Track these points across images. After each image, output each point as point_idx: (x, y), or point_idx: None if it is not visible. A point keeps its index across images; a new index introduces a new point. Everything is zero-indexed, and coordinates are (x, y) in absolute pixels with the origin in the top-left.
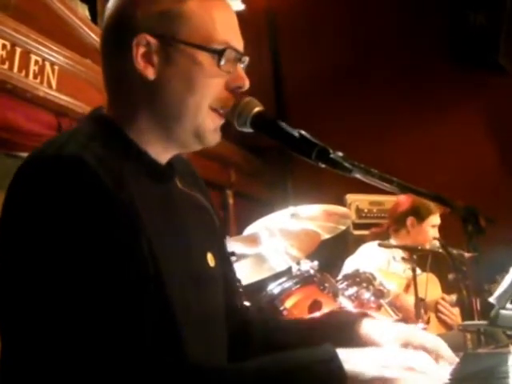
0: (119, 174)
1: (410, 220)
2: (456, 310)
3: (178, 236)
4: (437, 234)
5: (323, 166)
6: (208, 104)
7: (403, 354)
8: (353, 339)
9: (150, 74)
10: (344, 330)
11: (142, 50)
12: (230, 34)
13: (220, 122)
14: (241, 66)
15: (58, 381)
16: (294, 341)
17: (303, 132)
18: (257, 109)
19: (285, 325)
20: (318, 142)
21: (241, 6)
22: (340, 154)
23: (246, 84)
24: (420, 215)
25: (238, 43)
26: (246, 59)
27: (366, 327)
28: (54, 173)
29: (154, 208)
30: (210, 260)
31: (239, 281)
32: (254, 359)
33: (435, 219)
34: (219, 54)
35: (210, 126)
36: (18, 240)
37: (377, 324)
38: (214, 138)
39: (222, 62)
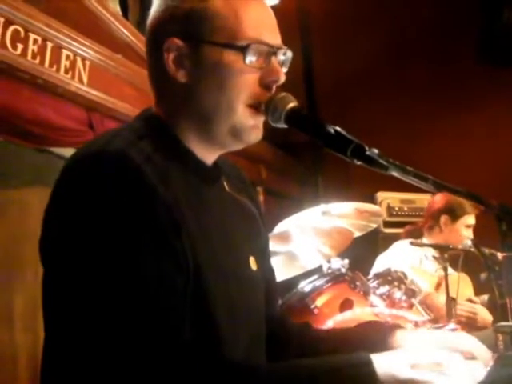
0: (165, 171)
1: (443, 218)
2: (484, 310)
3: (221, 236)
4: (471, 235)
5: (358, 163)
6: (243, 102)
7: (435, 355)
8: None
9: (182, 77)
10: (377, 343)
11: (172, 54)
12: (260, 29)
13: (260, 118)
14: (278, 59)
15: (97, 380)
16: (328, 351)
17: (338, 128)
18: (291, 104)
19: (319, 335)
20: (354, 139)
21: (274, 0)
22: (376, 151)
23: (281, 77)
24: (454, 214)
25: (271, 37)
26: (285, 52)
27: (399, 340)
28: (98, 168)
29: (199, 207)
30: (252, 263)
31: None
32: (288, 361)
33: (470, 219)
34: (243, 50)
35: (248, 123)
36: (61, 234)
37: (410, 336)
38: (254, 135)
39: (249, 58)
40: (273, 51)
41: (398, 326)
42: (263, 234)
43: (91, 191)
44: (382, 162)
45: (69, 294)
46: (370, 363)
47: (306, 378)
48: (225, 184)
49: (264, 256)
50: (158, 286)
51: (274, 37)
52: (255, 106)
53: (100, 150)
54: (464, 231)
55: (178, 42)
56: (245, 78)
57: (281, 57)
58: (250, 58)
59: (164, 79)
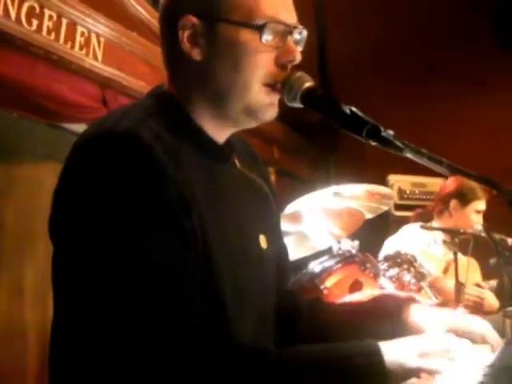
0: (176, 150)
1: (453, 202)
2: (491, 295)
3: (232, 215)
4: (480, 221)
5: (374, 143)
6: (258, 81)
7: (444, 342)
8: (399, 326)
9: (197, 55)
10: (391, 317)
11: (187, 31)
12: (276, 8)
13: (276, 96)
14: (295, 38)
15: (105, 359)
16: (340, 325)
17: (354, 109)
18: (308, 84)
19: (331, 308)
20: (370, 120)
21: None
22: (391, 132)
23: (297, 57)
24: (464, 198)
25: (288, 16)
26: (301, 31)
27: (414, 314)
28: (108, 147)
29: (210, 186)
30: (263, 242)
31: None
32: (295, 347)
33: (480, 205)
34: (260, 29)
35: (264, 101)
36: (70, 213)
37: (424, 311)
38: (269, 113)
39: (265, 37)
40: (289, 30)
41: (413, 300)
42: (275, 212)
43: (101, 170)
44: (397, 143)
45: (77, 273)
46: (378, 352)
47: (313, 365)
48: (236, 162)
49: (275, 234)
50: (166, 264)
51: (290, 16)
52: (271, 85)
53: (110, 128)
54: (473, 216)
55: (193, 19)
56: (260, 56)
57: (296, 36)
58: (266, 37)
59: (178, 57)
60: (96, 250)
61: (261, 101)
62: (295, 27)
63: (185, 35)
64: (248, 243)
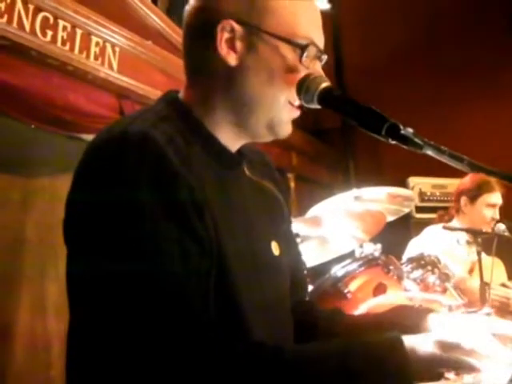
0: (188, 154)
1: (463, 200)
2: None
3: (242, 222)
4: (495, 215)
5: (393, 142)
6: (286, 98)
7: (467, 338)
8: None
9: (232, 60)
10: (410, 327)
11: (226, 35)
12: (314, 31)
13: (296, 114)
14: (319, 64)
15: (118, 364)
16: (359, 336)
17: (373, 107)
18: (324, 84)
19: (350, 319)
20: (389, 118)
21: (326, 6)
22: (410, 129)
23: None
24: (471, 195)
25: (320, 41)
26: (325, 57)
27: (432, 325)
28: (120, 149)
29: (219, 192)
30: (275, 248)
31: (304, 265)
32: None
33: (490, 198)
34: (302, 48)
35: (285, 118)
36: (83, 216)
37: (441, 321)
38: (286, 130)
39: (304, 57)
40: (319, 55)
41: (431, 310)
42: (287, 218)
43: (113, 173)
44: (416, 140)
45: (90, 275)
46: (401, 345)
47: (334, 357)
48: (246, 169)
49: (288, 240)
50: (180, 267)
51: (322, 41)
52: (294, 103)
53: (122, 131)
54: (485, 210)
55: (234, 24)
56: (295, 75)
57: (321, 62)
58: (305, 58)
59: (207, 60)
60: (108, 254)
61: (283, 117)
62: (323, 53)
63: (223, 38)
64: (260, 250)
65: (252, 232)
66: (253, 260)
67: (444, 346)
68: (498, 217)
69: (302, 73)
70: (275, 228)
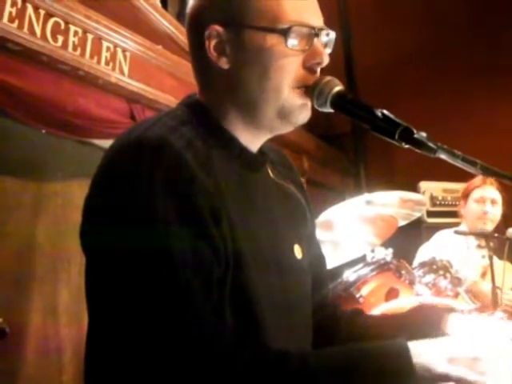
0: (207, 158)
1: (460, 203)
2: None
3: (265, 225)
4: (488, 208)
5: (406, 146)
6: (289, 85)
7: (475, 349)
8: (440, 336)
9: (224, 63)
10: (430, 328)
11: (213, 41)
12: (300, 11)
13: (308, 98)
14: (321, 41)
15: (134, 361)
16: (379, 337)
17: (386, 112)
18: (337, 88)
19: (370, 321)
20: (402, 122)
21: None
22: (424, 134)
23: (324, 58)
24: (463, 195)
25: (313, 18)
26: (328, 32)
27: (452, 325)
28: (138, 155)
29: (242, 195)
30: (297, 251)
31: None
32: (323, 349)
33: (477, 192)
34: (285, 33)
35: (297, 103)
36: (100, 221)
37: (462, 321)
38: (303, 114)
39: (291, 41)
40: (315, 33)
41: (451, 310)
42: (310, 221)
43: (129, 179)
44: (430, 144)
45: (107, 282)
46: (407, 353)
47: (340, 366)
48: (269, 171)
49: (311, 243)
50: (194, 274)
51: (315, 18)
52: (301, 88)
53: (140, 136)
54: (474, 206)
55: (218, 28)
56: (288, 61)
57: (323, 38)
58: (292, 41)
59: (207, 67)
60: (125, 259)
61: (294, 103)
62: (321, 29)
63: (211, 45)
64: (282, 253)
65: (275, 235)
66: (275, 262)
67: (451, 360)
68: (494, 211)
69: (297, 56)
70: (298, 230)
